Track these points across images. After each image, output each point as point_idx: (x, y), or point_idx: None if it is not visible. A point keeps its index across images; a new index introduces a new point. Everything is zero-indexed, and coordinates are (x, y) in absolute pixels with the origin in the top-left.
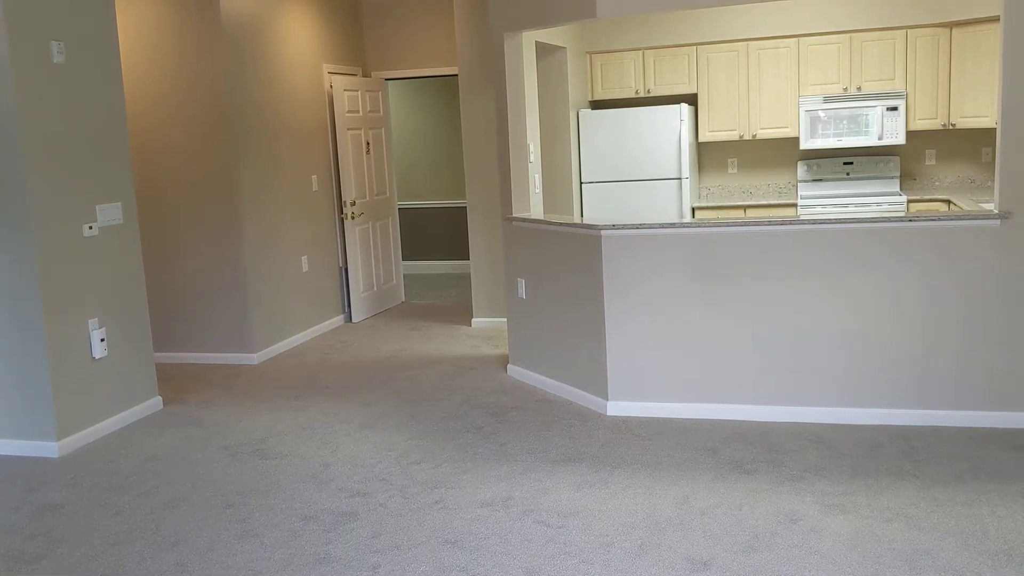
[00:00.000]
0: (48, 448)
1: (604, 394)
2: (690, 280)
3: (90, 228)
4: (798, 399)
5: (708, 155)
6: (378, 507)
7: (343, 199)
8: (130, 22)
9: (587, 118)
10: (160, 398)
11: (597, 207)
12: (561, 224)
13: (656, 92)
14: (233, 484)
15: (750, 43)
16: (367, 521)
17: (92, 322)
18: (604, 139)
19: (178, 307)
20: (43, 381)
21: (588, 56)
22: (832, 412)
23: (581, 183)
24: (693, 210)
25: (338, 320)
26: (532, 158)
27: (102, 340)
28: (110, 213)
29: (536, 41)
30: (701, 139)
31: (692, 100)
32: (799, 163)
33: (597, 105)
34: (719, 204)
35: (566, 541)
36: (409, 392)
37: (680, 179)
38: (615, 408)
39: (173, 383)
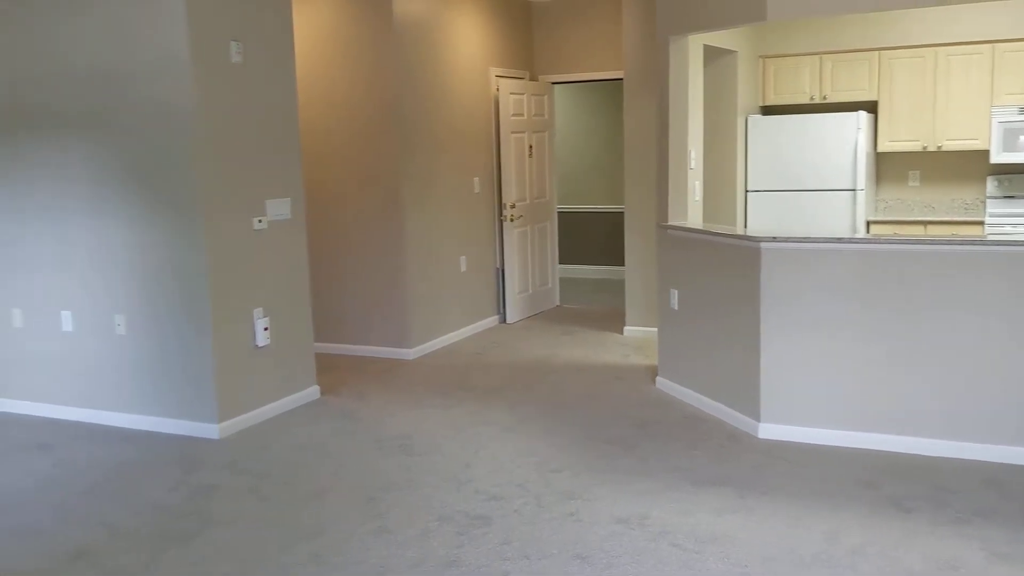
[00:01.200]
0: (209, 430)
1: (756, 415)
2: (857, 299)
3: (259, 222)
4: (971, 434)
5: (887, 166)
6: (512, 513)
7: (503, 201)
8: (306, 23)
9: (757, 124)
10: (318, 387)
11: (762, 217)
12: (718, 234)
13: (832, 98)
14: (376, 478)
15: (938, 48)
16: (500, 527)
17: (257, 311)
18: (774, 146)
19: (340, 301)
20: (208, 366)
21: (761, 60)
22: (1010, 451)
23: (746, 191)
24: (868, 224)
25: (492, 321)
26: (692, 164)
27: (265, 329)
28: (279, 208)
29: (705, 45)
30: (880, 149)
31: (871, 108)
32: (989, 178)
33: (768, 111)
34: (897, 219)
35: (701, 568)
36: (555, 398)
37: (855, 191)
38: (767, 430)
39: (331, 373)
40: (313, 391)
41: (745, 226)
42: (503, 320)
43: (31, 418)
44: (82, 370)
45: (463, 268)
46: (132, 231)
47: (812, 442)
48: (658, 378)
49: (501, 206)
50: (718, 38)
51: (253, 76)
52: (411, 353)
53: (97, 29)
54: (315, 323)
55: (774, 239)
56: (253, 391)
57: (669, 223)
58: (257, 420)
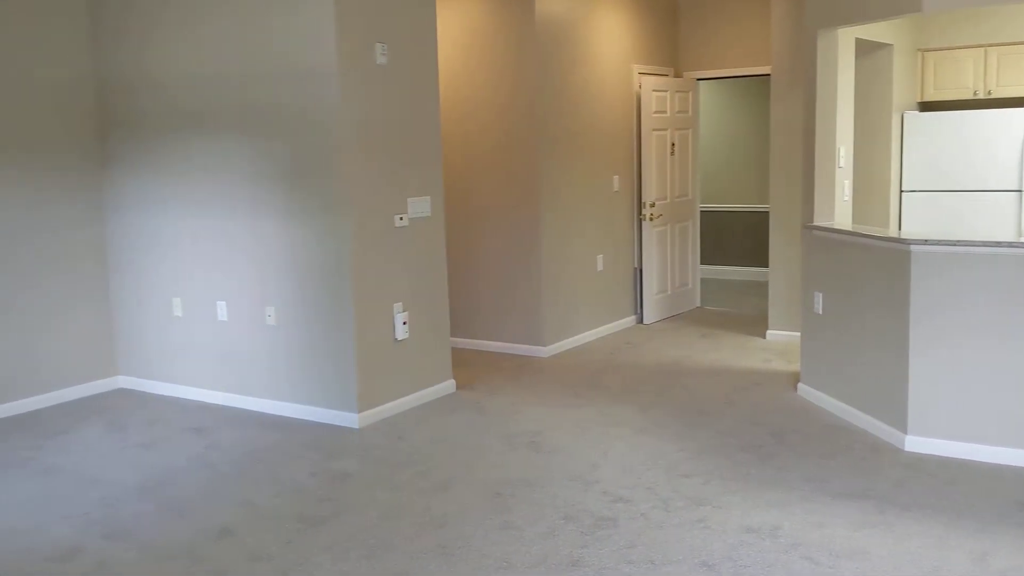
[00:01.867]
0: (349, 419)
1: (903, 426)
2: (1018, 308)
3: (401, 219)
4: None
5: None
6: (639, 516)
7: (643, 200)
8: (448, 23)
9: (914, 121)
10: (453, 381)
11: (919, 218)
12: (866, 236)
13: (997, 94)
14: (504, 473)
15: None
16: (625, 530)
17: (397, 306)
18: (933, 144)
19: (477, 297)
20: (350, 357)
21: (919, 54)
22: None
23: (901, 191)
24: None
25: (629, 321)
26: (842, 163)
27: (404, 323)
28: (420, 206)
29: (857, 38)
30: None
31: None
32: None
33: (926, 107)
34: None
35: None
36: (689, 401)
37: (1021, 192)
38: (914, 443)
39: (467, 368)
40: (448, 385)
41: (899, 228)
42: (640, 321)
43: (188, 402)
44: (234, 358)
45: (600, 267)
46: (283, 227)
47: (962, 457)
48: (799, 385)
49: (641, 205)
50: (871, 31)
51: (397, 77)
52: (545, 351)
53: (251, 34)
54: (452, 318)
55: (926, 242)
56: (391, 383)
57: (815, 223)
58: (394, 411)
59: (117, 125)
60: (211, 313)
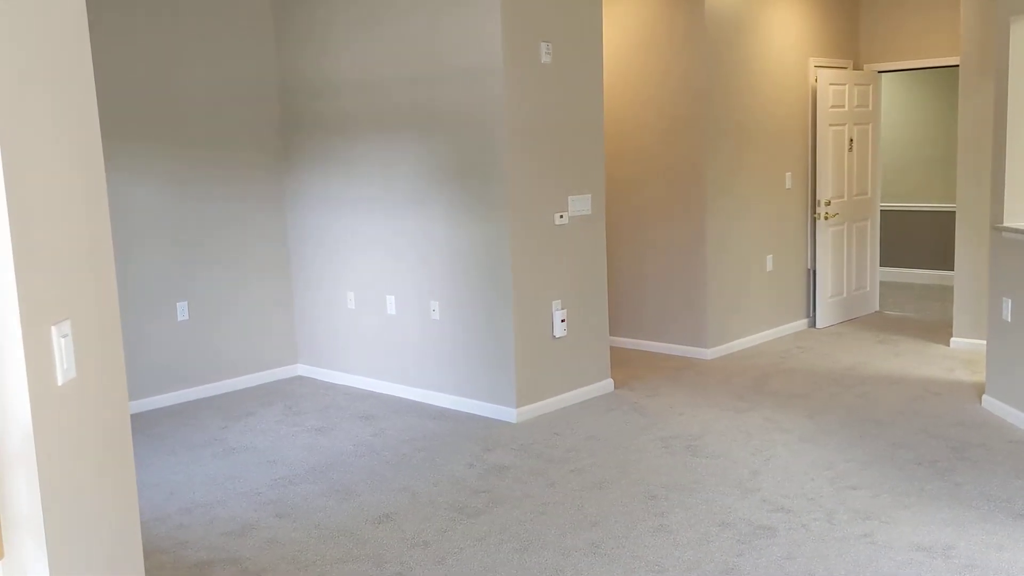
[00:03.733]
0: (508, 414)
1: None
2: None
3: (561, 217)
4: None
5: None
6: (799, 527)
7: (817, 198)
8: (615, 20)
9: None
10: (611, 381)
11: None
12: None
13: None
14: (660, 476)
15: None
16: (784, 540)
17: (555, 303)
18: None
19: (638, 296)
20: (509, 353)
21: None
22: None
23: None
24: None
25: (800, 324)
26: None
27: (563, 321)
28: (580, 204)
29: None
30: None
31: None
32: None
33: None
34: None
35: None
36: (861, 410)
37: None
38: None
39: (626, 368)
40: (607, 384)
41: None
42: (812, 324)
43: (358, 390)
44: (402, 350)
45: (769, 267)
46: (448, 223)
47: None
48: (985, 396)
49: (815, 203)
50: None
51: (561, 76)
52: (708, 353)
53: (420, 35)
54: (611, 317)
55: None
56: (549, 380)
57: (1005, 224)
58: (552, 408)
59: (296, 126)
60: (381, 306)
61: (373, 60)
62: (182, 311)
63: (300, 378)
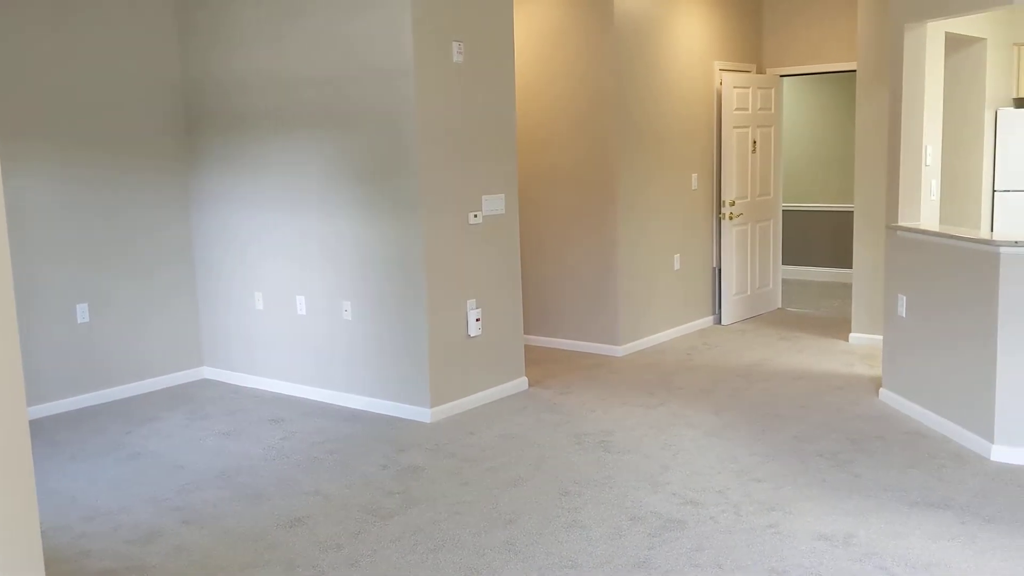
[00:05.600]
0: (422, 414)
1: (989, 435)
2: None
3: (475, 216)
4: None
5: None
6: (708, 520)
7: (722, 199)
8: (526, 21)
9: (1009, 118)
10: (526, 379)
11: (1013, 220)
12: (952, 237)
13: None
14: (573, 472)
15: None
16: (693, 533)
17: (470, 302)
18: None
19: (551, 295)
20: (423, 352)
21: (1016, 48)
22: None
23: (994, 191)
24: None
25: (707, 321)
26: (929, 161)
27: (477, 320)
28: (494, 204)
29: (946, 32)
30: None
31: None
32: None
33: (1023, 104)
34: None
35: None
36: (765, 405)
37: None
38: (1000, 453)
39: (540, 366)
40: (521, 382)
41: (991, 229)
42: (718, 321)
43: (267, 393)
44: (312, 351)
45: (677, 266)
46: (360, 224)
47: None
48: (882, 390)
49: (720, 203)
50: (963, 25)
51: (473, 75)
52: (620, 350)
53: (330, 34)
54: (525, 316)
55: (1016, 243)
56: (464, 379)
57: (899, 224)
58: (466, 407)
59: (202, 124)
60: (291, 307)
61: (282, 58)
62: (82, 313)
63: (206, 381)
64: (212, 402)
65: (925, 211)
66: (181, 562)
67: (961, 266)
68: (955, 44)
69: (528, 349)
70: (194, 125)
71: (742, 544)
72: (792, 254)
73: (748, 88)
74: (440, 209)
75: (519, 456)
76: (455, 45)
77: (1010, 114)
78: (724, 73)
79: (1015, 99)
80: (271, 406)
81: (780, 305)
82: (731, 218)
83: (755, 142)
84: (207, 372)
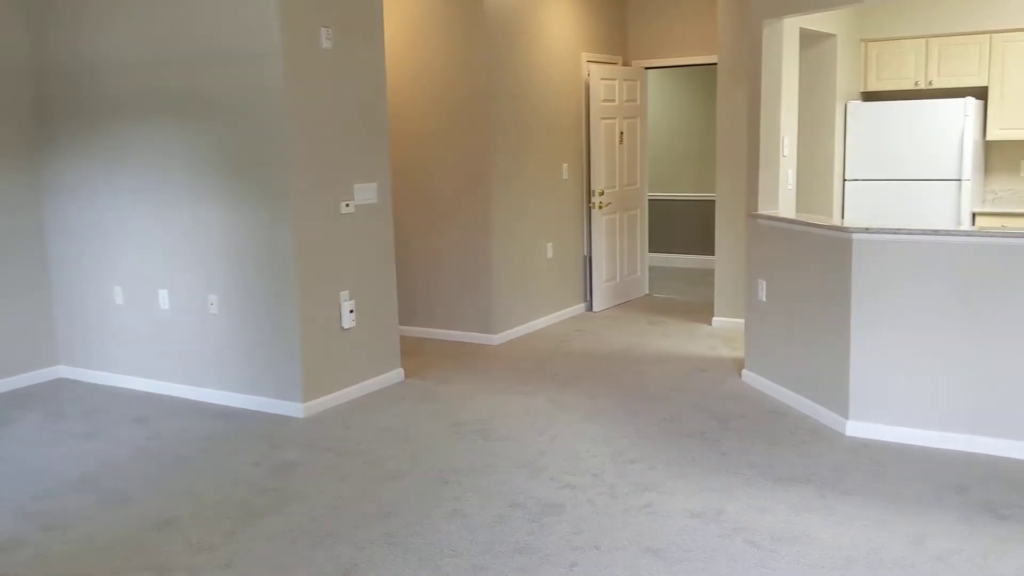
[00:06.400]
0: (294, 409)
1: (844, 412)
2: (955, 295)
3: (347, 206)
4: None
5: (997, 155)
6: (585, 503)
7: (592, 188)
8: (397, 10)
9: (857, 111)
10: (402, 370)
11: (860, 207)
12: (808, 224)
13: (939, 84)
14: (453, 462)
15: None
16: (572, 516)
17: (343, 294)
18: (875, 134)
19: (426, 285)
20: (294, 346)
21: (863, 44)
22: None
23: (844, 180)
24: (974, 216)
25: (579, 308)
26: (786, 152)
27: (351, 311)
28: (366, 192)
29: (801, 28)
30: (989, 137)
31: (980, 94)
32: None
33: (869, 97)
34: (1007, 211)
35: (775, 567)
36: (636, 388)
37: (960, 180)
38: (855, 428)
39: (417, 357)
40: (397, 374)
41: (842, 216)
42: (590, 308)
43: (129, 392)
44: (177, 347)
45: (550, 255)
46: (226, 214)
47: (902, 442)
48: (744, 371)
49: (590, 193)
50: (815, 21)
51: (343, 62)
52: (495, 339)
53: (194, 16)
54: (401, 307)
55: (867, 230)
56: (338, 372)
57: (759, 212)
58: (341, 400)
59: (56, 110)
60: (152, 301)
61: (142, 42)
62: None
63: (62, 381)
64: (70, 402)
65: (782, 200)
66: (42, 571)
67: (817, 252)
68: (809, 40)
69: (404, 340)
70: (46, 111)
71: (619, 525)
72: (658, 242)
73: (615, 80)
74: (310, 198)
75: (397, 448)
76: (323, 31)
77: (858, 107)
78: (592, 65)
79: (863, 93)
80: (134, 405)
81: (648, 291)
82: (600, 207)
83: (622, 133)
84: (63, 371)
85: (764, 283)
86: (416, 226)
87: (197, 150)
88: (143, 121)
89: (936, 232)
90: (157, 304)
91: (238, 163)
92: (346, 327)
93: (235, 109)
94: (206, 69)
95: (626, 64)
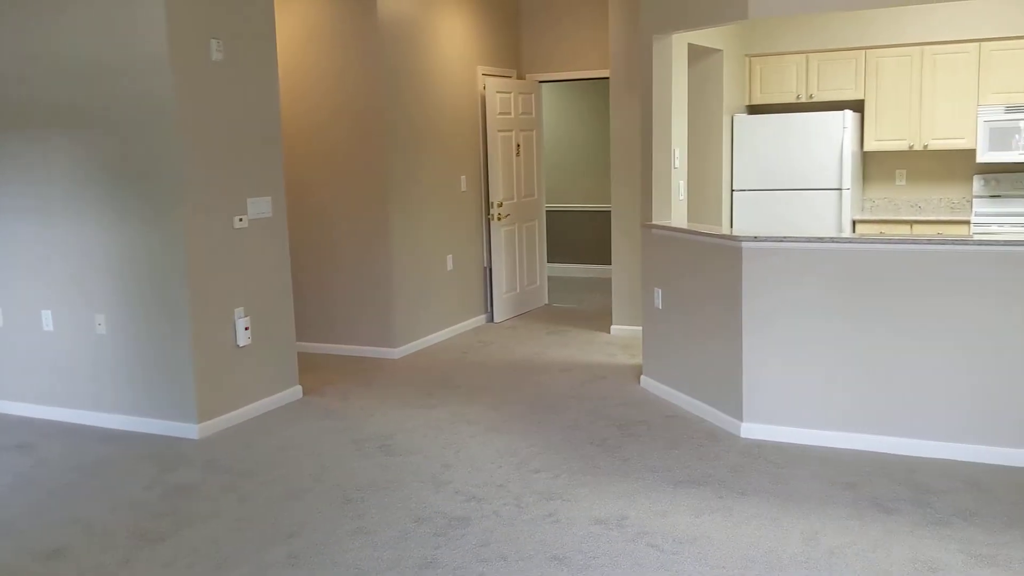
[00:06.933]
0: (188, 430)
1: (739, 415)
2: (840, 300)
3: (240, 220)
4: (952, 435)
5: (874, 165)
6: (491, 514)
7: (491, 200)
8: (290, 22)
9: (742, 123)
10: (300, 387)
11: (748, 217)
12: (700, 233)
13: (819, 97)
14: (355, 479)
15: (925, 47)
16: (478, 528)
17: (238, 311)
18: (760, 146)
19: (324, 300)
20: (187, 365)
21: (747, 59)
22: (990, 451)
23: (732, 191)
24: (854, 223)
25: (480, 320)
26: (677, 164)
27: (246, 328)
28: (260, 206)
29: (689, 44)
30: (866, 148)
31: (858, 107)
32: (975, 177)
33: (754, 110)
34: (883, 218)
35: (678, 569)
36: (539, 398)
37: (840, 190)
38: (749, 430)
39: (314, 373)
40: (295, 391)
41: (731, 226)
42: (490, 319)
43: (13, 417)
44: (63, 370)
45: (450, 267)
46: (113, 230)
47: (794, 442)
48: (642, 377)
49: (488, 205)
50: (703, 37)
51: (235, 74)
52: (396, 352)
53: (77, 25)
54: (298, 322)
55: (755, 239)
56: (234, 391)
57: (653, 222)
58: (238, 420)
59: None
60: (35, 323)
61: (20, 51)
62: None
63: None
64: None
65: (675, 210)
66: None
67: (709, 260)
68: (697, 55)
69: (302, 356)
70: None
71: (525, 535)
72: (556, 252)
73: (510, 93)
74: (202, 213)
75: (298, 467)
76: (213, 42)
77: (744, 120)
78: (487, 78)
79: (748, 106)
80: (17, 431)
81: (547, 301)
82: (499, 219)
83: (519, 145)
84: None
85: (660, 291)
86: (313, 240)
87: (82, 165)
88: (24, 134)
89: (820, 240)
90: (40, 325)
91: (126, 177)
92: (241, 345)
93: (122, 122)
94: (91, 81)
95: (520, 78)
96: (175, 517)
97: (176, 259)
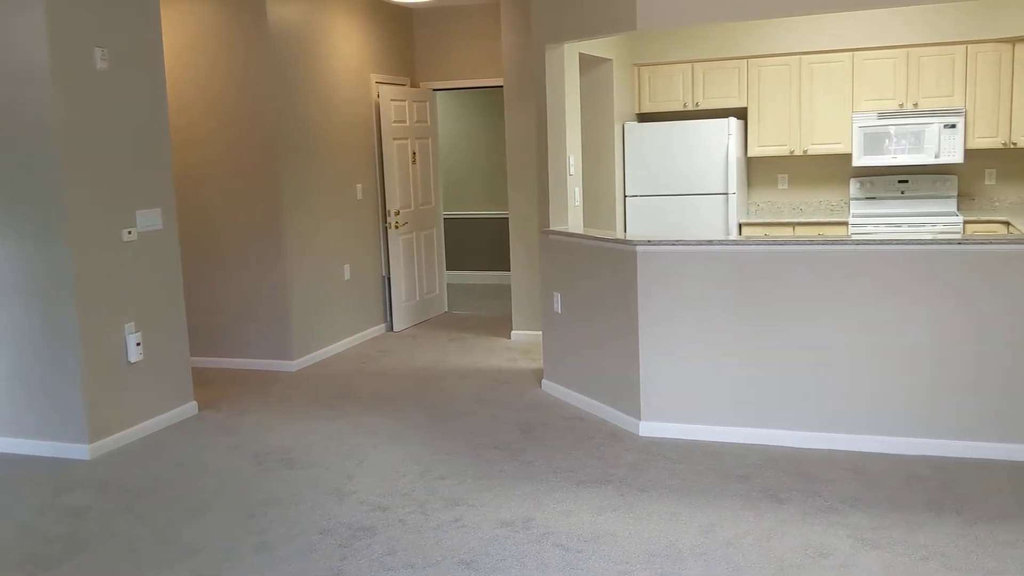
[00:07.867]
0: (79, 451)
1: (637, 414)
2: (728, 300)
3: (129, 233)
4: (837, 426)
5: (757, 170)
6: (396, 523)
7: (387, 208)
8: (177, 29)
9: (633, 131)
10: (195, 403)
11: (640, 221)
12: (596, 239)
13: (705, 105)
14: (256, 493)
15: (803, 57)
16: (384, 537)
17: (128, 326)
18: (650, 152)
19: (219, 313)
20: (75, 384)
21: (636, 68)
22: (872, 440)
23: (625, 197)
24: (740, 226)
25: (379, 329)
26: (572, 171)
27: (138, 344)
28: (150, 218)
29: (581, 53)
30: (750, 154)
31: (741, 114)
32: (852, 180)
33: (644, 118)
34: (767, 221)
35: (583, 567)
36: (441, 405)
37: (727, 194)
38: (647, 428)
39: (210, 388)
40: (191, 407)
41: (624, 230)
42: (390, 328)
43: None
44: None
45: (347, 276)
46: None
47: (690, 438)
48: (543, 381)
49: (385, 213)
50: (593, 47)
51: (120, 83)
52: (293, 365)
53: None
54: (192, 337)
55: (649, 242)
56: (126, 409)
57: (550, 228)
58: (131, 439)
59: None
60: None
61: None
62: None
63: None
64: None
65: (571, 216)
66: None
67: (605, 264)
68: (588, 64)
69: (197, 371)
70: None
71: (431, 542)
72: (455, 260)
73: (405, 101)
74: (88, 227)
75: (196, 484)
76: (98, 51)
77: (634, 127)
78: (381, 86)
79: (638, 114)
80: None
81: (447, 309)
82: (397, 227)
83: (415, 153)
84: None
85: (559, 295)
86: (206, 252)
87: None
88: None
89: (710, 242)
90: None
91: (7, 190)
92: (133, 361)
93: (3, 132)
94: None
95: (415, 86)
96: (68, 541)
97: (62, 275)
